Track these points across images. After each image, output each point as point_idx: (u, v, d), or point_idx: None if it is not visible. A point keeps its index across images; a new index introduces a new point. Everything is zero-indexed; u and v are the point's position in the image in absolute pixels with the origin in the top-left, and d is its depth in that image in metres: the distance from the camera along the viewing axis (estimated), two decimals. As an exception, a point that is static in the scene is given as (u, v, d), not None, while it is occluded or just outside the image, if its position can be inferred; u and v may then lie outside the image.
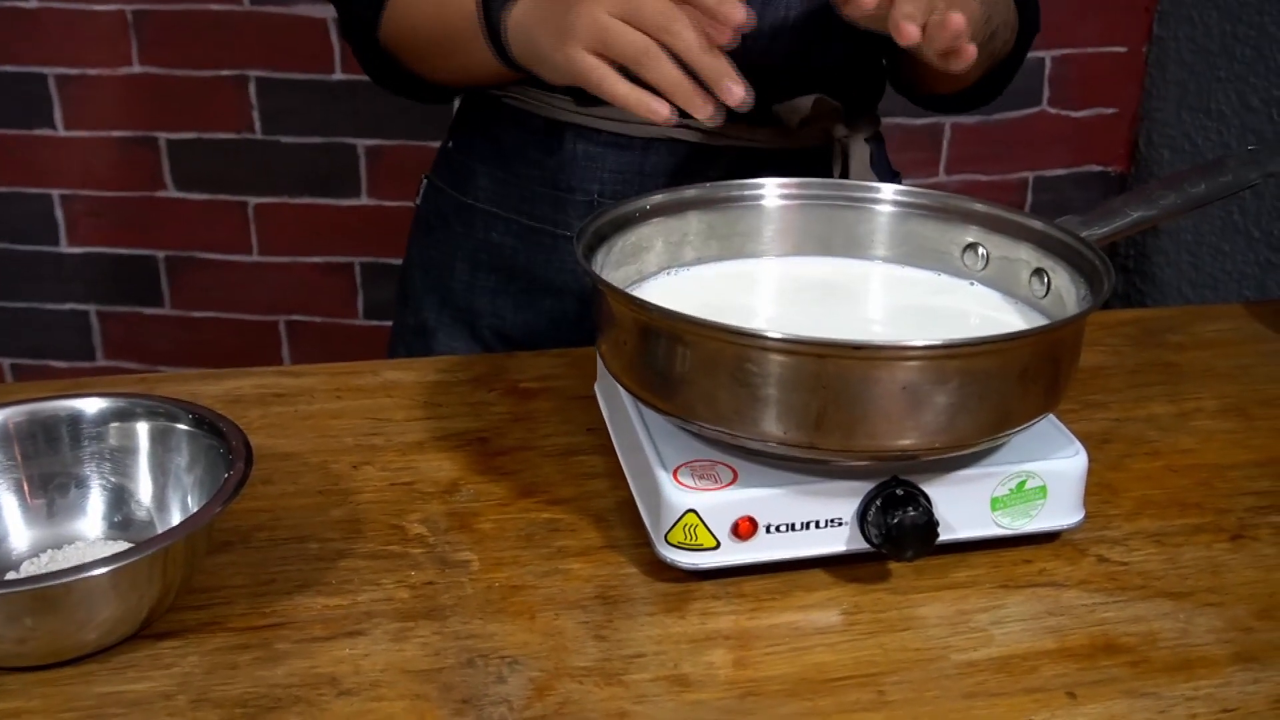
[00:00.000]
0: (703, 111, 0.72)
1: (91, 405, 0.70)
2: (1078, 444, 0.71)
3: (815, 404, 0.62)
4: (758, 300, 0.83)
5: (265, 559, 0.70)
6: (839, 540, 0.68)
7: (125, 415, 0.70)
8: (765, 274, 0.84)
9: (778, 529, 0.67)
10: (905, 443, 0.64)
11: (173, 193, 1.83)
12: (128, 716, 0.58)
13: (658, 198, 0.80)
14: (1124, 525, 0.74)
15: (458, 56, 0.94)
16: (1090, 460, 0.71)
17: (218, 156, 1.80)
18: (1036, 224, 0.78)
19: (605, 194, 0.99)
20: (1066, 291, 0.74)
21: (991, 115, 1.84)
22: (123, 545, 0.67)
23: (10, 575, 0.66)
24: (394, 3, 0.96)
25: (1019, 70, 1.03)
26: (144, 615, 0.62)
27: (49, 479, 0.69)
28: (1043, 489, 0.69)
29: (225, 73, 1.76)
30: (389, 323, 1.16)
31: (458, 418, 0.85)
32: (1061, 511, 0.71)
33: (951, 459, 0.68)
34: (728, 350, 0.63)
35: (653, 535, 0.68)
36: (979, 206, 0.81)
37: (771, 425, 0.64)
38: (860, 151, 1.00)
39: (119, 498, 0.70)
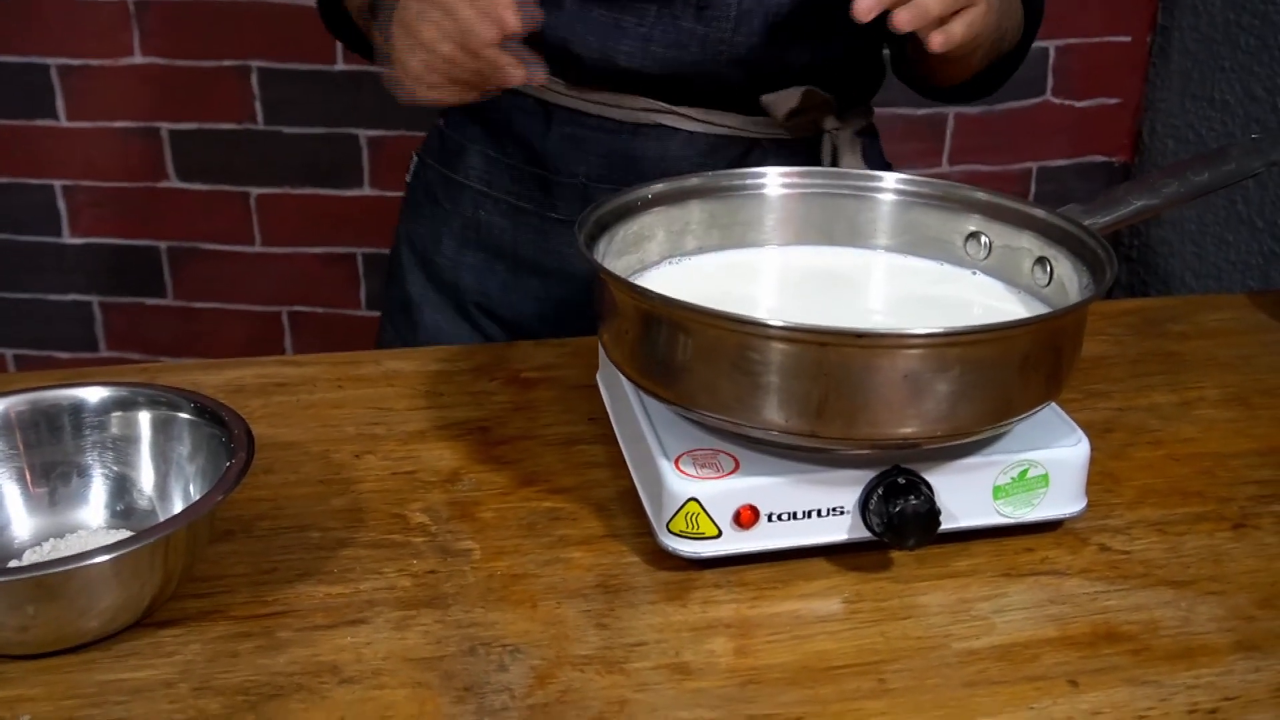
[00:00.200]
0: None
1: (93, 394, 0.70)
2: (1080, 433, 0.71)
3: (817, 392, 0.62)
4: (759, 289, 0.83)
5: (267, 548, 0.70)
6: (841, 529, 0.68)
7: (127, 404, 0.70)
8: (767, 263, 0.83)
9: (779, 518, 0.67)
10: (907, 431, 0.63)
11: (175, 183, 1.82)
12: (130, 704, 0.58)
13: (659, 186, 0.80)
14: (1126, 514, 0.74)
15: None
16: (1092, 449, 0.71)
17: (220, 147, 1.80)
18: (1039, 213, 0.78)
19: (593, 177, 0.99)
20: (1069, 280, 0.74)
21: (995, 105, 1.84)
22: (125, 534, 0.67)
23: (13, 563, 0.66)
24: None
25: (1023, 62, 1.03)
26: (146, 603, 0.62)
27: (51, 468, 0.70)
28: (1045, 478, 0.69)
29: (227, 63, 1.75)
30: (388, 312, 1.16)
31: (459, 407, 0.85)
32: (1063, 500, 0.71)
33: (953, 447, 0.68)
34: (729, 339, 0.63)
35: (654, 524, 0.68)
36: (981, 195, 0.81)
37: (773, 414, 0.63)
38: (850, 144, 1.00)
39: (121, 486, 0.70)
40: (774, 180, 0.84)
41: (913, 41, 0.99)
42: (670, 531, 0.67)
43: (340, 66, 1.76)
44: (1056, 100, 1.87)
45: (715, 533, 0.66)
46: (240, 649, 0.62)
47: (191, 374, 0.89)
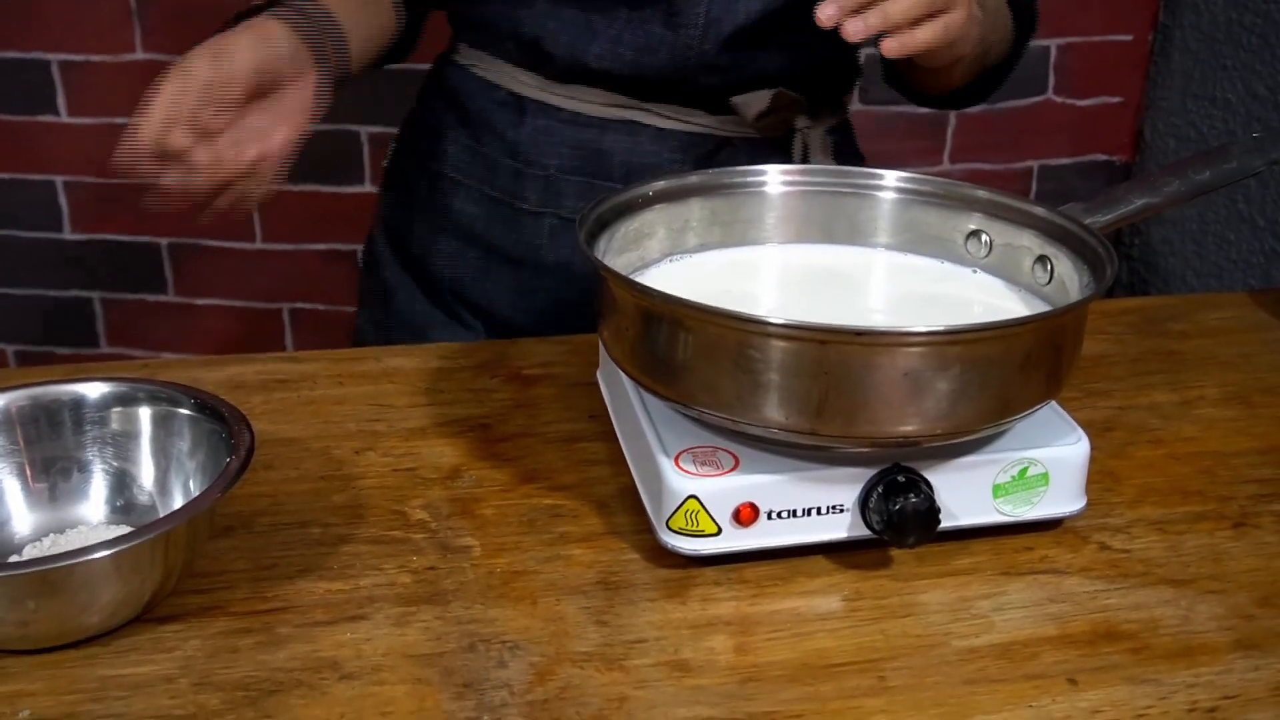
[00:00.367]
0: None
1: (94, 390, 0.70)
2: (1080, 431, 0.71)
3: (817, 390, 0.62)
4: (760, 287, 0.83)
5: (267, 544, 0.70)
6: (840, 527, 0.68)
7: (127, 400, 0.70)
8: (767, 261, 0.83)
9: (779, 515, 0.67)
10: (907, 429, 0.63)
11: (176, 180, 1.82)
12: (130, 699, 0.58)
13: (660, 184, 0.80)
14: (1126, 513, 0.74)
15: None
16: (1092, 448, 0.71)
17: (221, 143, 1.80)
18: (1040, 211, 0.78)
19: (564, 170, 1.00)
20: (1070, 279, 0.74)
21: (996, 104, 1.84)
22: (125, 529, 0.67)
23: (13, 558, 0.66)
24: None
25: (1013, 72, 1.03)
26: (146, 599, 0.62)
27: (51, 463, 0.70)
28: (1045, 476, 0.69)
29: (228, 59, 1.75)
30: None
31: (459, 404, 0.85)
32: (1063, 499, 0.71)
33: (953, 446, 0.68)
34: (730, 336, 0.63)
35: (654, 521, 0.68)
36: (982, 193, 0.81)
37: (773, 411, 0.63)
38: (820, 142, 1.01)
39: (121, 482, 0.70)
40: (775, 178, 0.84)
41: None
42: (670, 529, 0.67)
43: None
44: (1058, 99, 1.87)
45: (715, 530, 0.66)
46: (240, 645, 0.62)
47: (192, 370, 0.89)
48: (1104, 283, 0.68)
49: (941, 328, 0.62)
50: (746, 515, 0.66)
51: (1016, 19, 0.99)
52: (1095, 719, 0.58)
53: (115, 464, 0.70)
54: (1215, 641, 0.63)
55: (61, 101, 1.77)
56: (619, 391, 0.77)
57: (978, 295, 0.79)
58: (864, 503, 0.67)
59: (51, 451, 0.70)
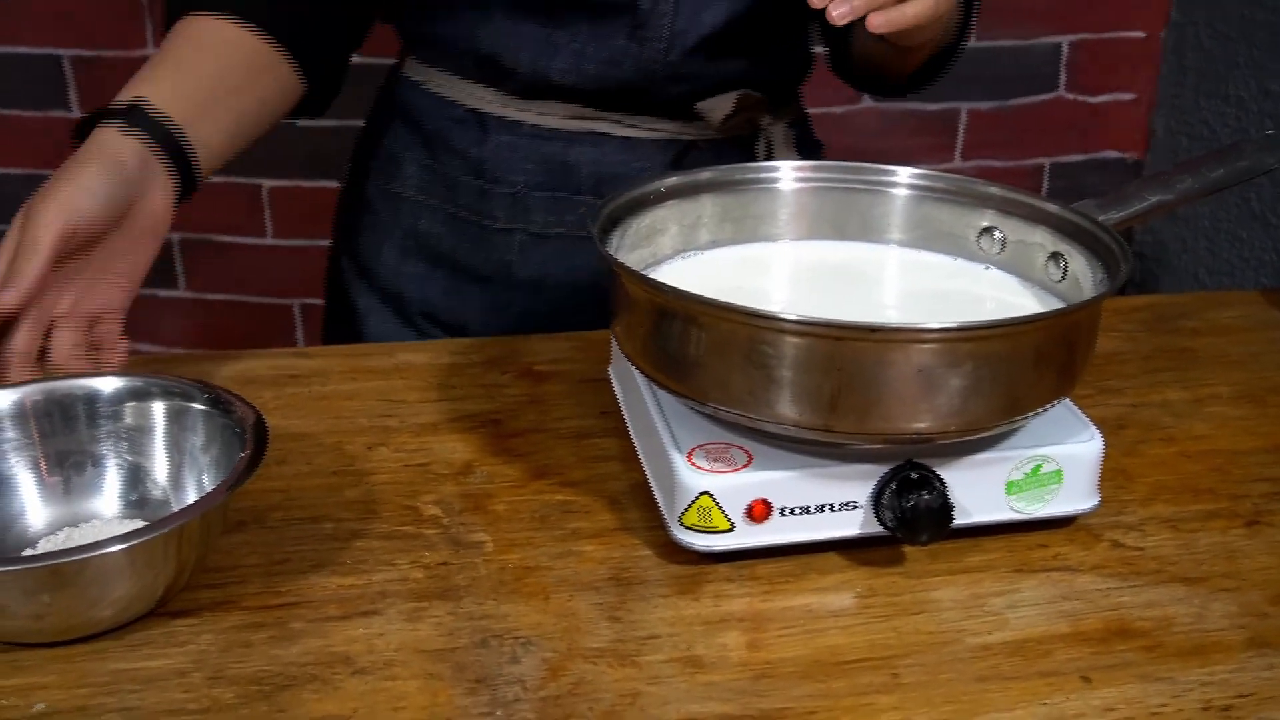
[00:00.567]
0: None
1: (107, 384, 0.70)
2: (1093, 429, 0.71)
3: (830, 386, 0.62)
4: (772, 283, 0.83)
5: (280, 539, 0.70)
6: (853, 523, 0.68)
7: (141, 394, 0.70)
8: (780, 257, 0.83)
9: (792, 512, 0.67)
10: (920, 426, 0.63)
11: (187, 175, 1.83)
12: (143, 693, 0.58)
13: (672, 180, 0.80)
14: (1139, 510, 0.74)
15: None
16: (1105, 445, 0.70)
17: (231, 139, 1.80)
18: (1053, 207, 0.77)
19: (530, 185, 0.99)
20: (1083, 275, 0.74)
21: (1008, 101, 1.83)
22: (138, 523, 0.68)
23: (27, 552, 0.66)
24: None
25: (960, 52, 1.02)
26: (159, 593, 0.62)
27: (65, 457, 0.70)
28: (1058, 473, 0.69)
29: (239, 55, 1.76)
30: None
31: (471, 400, 0.85)
32: (1076, 496, 0.71)
33: (966, 443, 0.68)
34: (742, 332, 0.63)
35: (667, 517, 0.68)
36: (995, 190, 0.80)
37: (786, 408, 0.63)
38: (784, 137, 1.01)
39: (135, 476, 0.70)
40: (787, 174, 0.84)
41: (859, 37, 0.99)
42: (682, 525, 0.67)
43: (353, 59, 1.76)
44: (1070, 96, 1.87)
45: (728, 526, 0.66)
46: (253, 639, 0.62)
47: (204, 365, 0.89)
48: (1118, 280, 0.68)
49: (955, 325, 0.62)
50: (759, 512, 0.66)
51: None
52: (1109, 717, 0.58)
53: (129, 458, 0.70)
54: (1229, 639, 0.63)
55: (73, 97, 1.78)
56: (631, 387, 0.77)
57: (990, 292, 0.79)
58: (877, 499, 0.67)
59: (66, 446, 0.70)
